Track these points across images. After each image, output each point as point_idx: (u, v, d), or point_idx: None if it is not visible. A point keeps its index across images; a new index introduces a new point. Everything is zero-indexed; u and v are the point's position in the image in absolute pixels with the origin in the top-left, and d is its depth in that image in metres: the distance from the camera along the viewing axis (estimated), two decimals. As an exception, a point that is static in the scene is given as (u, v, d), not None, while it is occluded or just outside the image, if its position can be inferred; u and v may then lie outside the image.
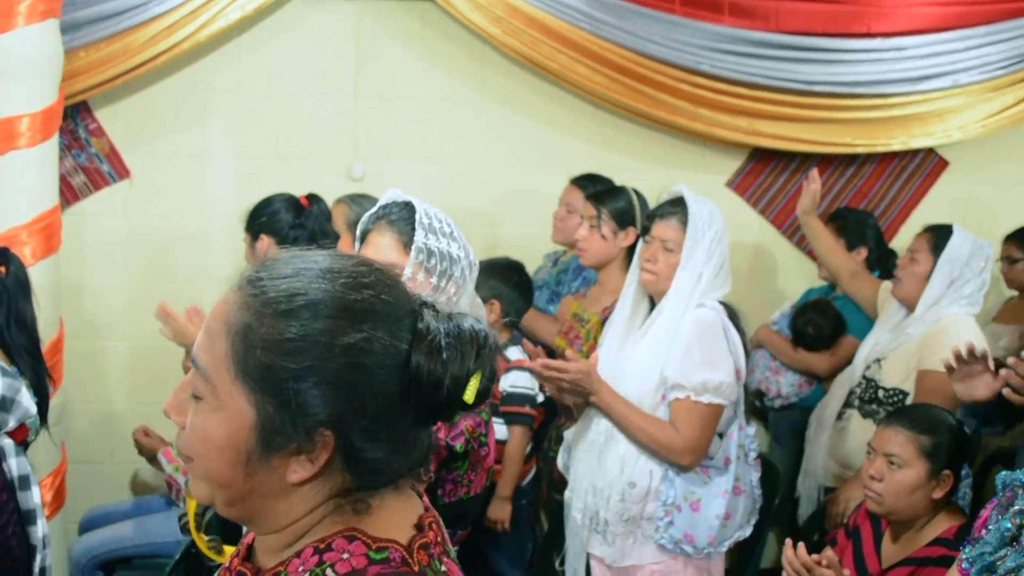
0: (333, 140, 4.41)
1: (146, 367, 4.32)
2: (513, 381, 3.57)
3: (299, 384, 1.10)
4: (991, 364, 2.78)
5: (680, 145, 4.55)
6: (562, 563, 3.19)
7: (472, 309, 2.28)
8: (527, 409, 3.54)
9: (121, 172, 4.30)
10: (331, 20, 4.36)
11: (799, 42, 4.33)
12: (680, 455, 2.84)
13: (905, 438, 2.65)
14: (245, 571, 1.23)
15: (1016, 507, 1.50)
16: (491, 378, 1.21)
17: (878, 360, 3.58)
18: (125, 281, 4.35)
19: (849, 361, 3.83)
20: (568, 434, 3.11)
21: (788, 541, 2.48)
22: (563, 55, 4.25)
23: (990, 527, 1.52)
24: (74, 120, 4.21)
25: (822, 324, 4.05)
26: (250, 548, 1.28)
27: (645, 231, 3.05)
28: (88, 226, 4.29)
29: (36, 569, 2.73)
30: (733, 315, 2.95)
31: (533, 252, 4.34)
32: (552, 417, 3.59)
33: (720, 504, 2.88)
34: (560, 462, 3.18)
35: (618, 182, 3.84)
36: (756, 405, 4.28)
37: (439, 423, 2.05)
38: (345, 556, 1.11)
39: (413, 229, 2.15)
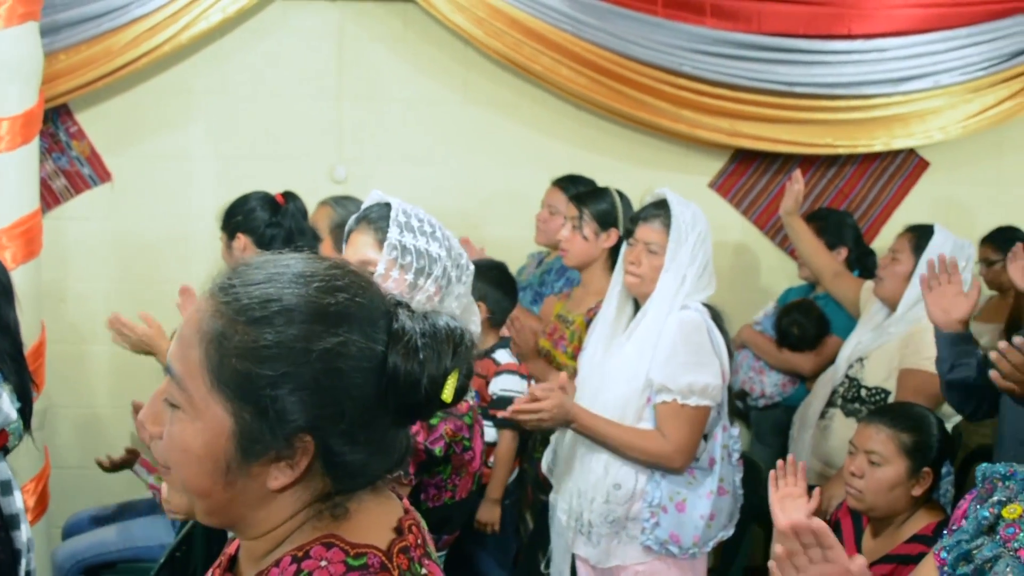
0: (316, 142, 4.40)
1: (129, 371, 4.30)
2: (503, 384, 3.57)
3: (276, 391, 1.09)
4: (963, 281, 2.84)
5: (662, 146, 4.56)
6: (547, 564, 3.19)
7: (465, 313, 2.27)
8: (516, 412, 3.55)
9: (102, 175, 4.29)
10: (313, 22, 4.36)
11: (780, 43, 4.35)
12: (670, 460, 2.84)
13: (886, 436, 2.67)
14: None
15: (995, 498, 1.51)
16: (469, 375, 1.21)
17: (860, 359, 3.59)
18: (107, 284, 4.33)
19: (833, 361, 3.84)
20: (553, 436, 3.12)
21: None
22: (545, 57, 4.26)
23: (969, 517, 1.53)
24: (54, 123, 4.19)
25: (806, 324, 4.07)
26: (232, 559, 1.27)
27: (628, 234, 3.05)
28: (70, 230, 4.27)
29: (21, 573, 2.73)
30: (716, 316, 2.96)
31: (516, 253, 4.34)
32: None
33: (705, 505, 2.89)
34: (545, 464, 3.18)
35: (600, 183, 3.85)
36: (738, 406, 4.30)
37: (417, 427, 2.05)
38: (323, 564, 1.10)
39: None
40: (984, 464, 1.59)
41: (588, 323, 3.34)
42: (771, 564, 2.45)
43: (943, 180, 4.73)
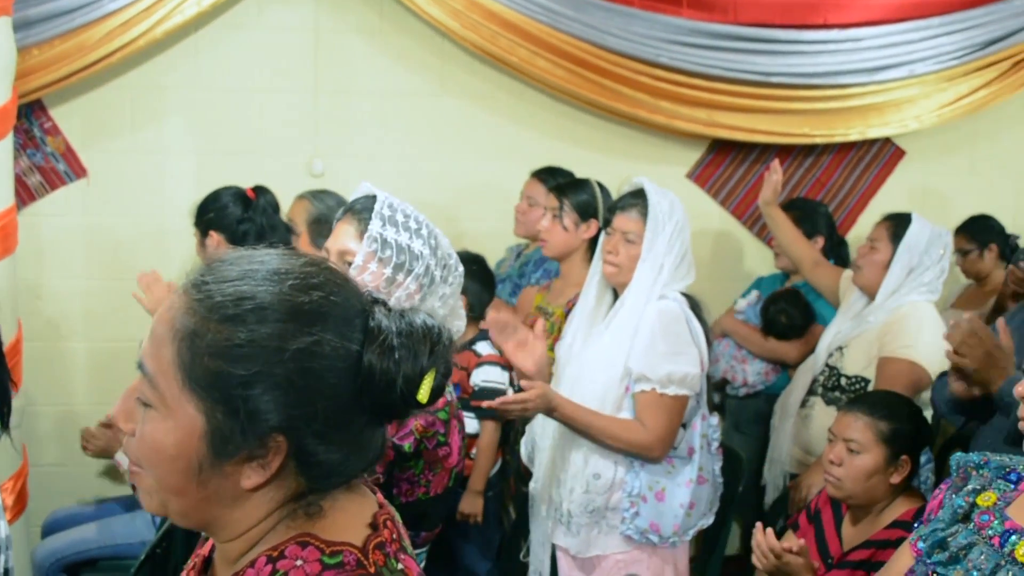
0: (293, 136, 4.38)
1: (107, 367, 4.28)
2: (485, 376, 3.58)
3: (249, 391, 1.07)
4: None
5: (640, 137, 4.57)
6: (527, 554, 3.20)
7: (451, 315, 2.25)
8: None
9: (78, 171, 4.25)
10: (289, 16, 4.34)
11: (757, 34, 4.36)
12: (649, 449, 2.85)
13: (864, 424, 2.69)
14: None
15: (969, 486, 1.52)
16: (447, 375, 1.19)
17: (840, 348, 3.61)
18: (84, 281, 4.30)
19: (817, 349, 3.86)
20: (529, 425, 3.12)
21: (759, 525, 2.51)
22: (522, 48, 4.25)
23: (944, 505, 1.54)
24: (28, 119, 4.15)
25: (794, 313, 4.08)
26: (206, 561, 1.26)
27: (606, 223, 3.06)
28: (45, 226, 4.24)
29: (0, 570, 2.70)
30: (695, 306, 2.97)
31: (495, 245, 4.34)
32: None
33: (685, 494, 2.90)
34: (524, 453, 3.19)
35: (579, 174, 3.85)
36: (714, 400, 4.32)
37: (388, 422, 2.03)
38: (299, 563, 1.09)
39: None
40: (958, 453, 1.60)
41: (568, 314, 3.34)
42: (753, 558, 2.49)
43: (919, 169, 4.76)
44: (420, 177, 4.44)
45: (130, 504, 3.76)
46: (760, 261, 4.67)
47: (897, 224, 3.55)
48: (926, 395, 3.31)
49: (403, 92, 4.44)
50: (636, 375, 2.86)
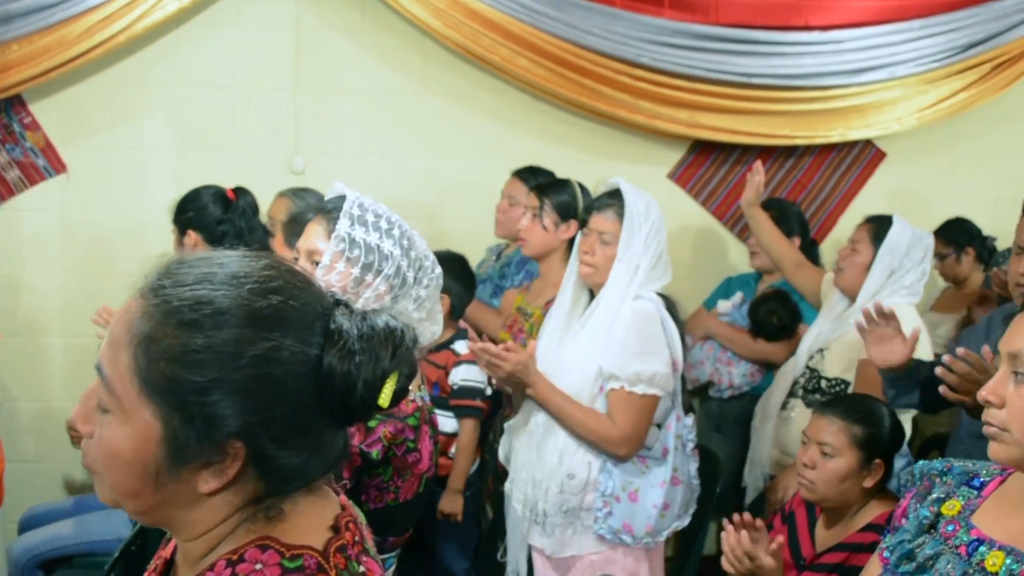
0: (273, 133, 4.37)
1: (84, 363, 4.22)
2: (464, 375, 3.58)
3: (205, 397, 1.06)
4: (905, 330, 2.83)
5: (621, 137, 4.57)
6: (504, 554, 3.20)
7: (428, 318, 2.23)
8: (477, 402, 3.56)
9: (57, 166, 4.23)
10: (270, 13, 4.32)
11: (738, 35, 4.37)
12: (616, 446, 2.85)
13: (838, 427, 2.68)
14: None
15: (933, 495, 1.53)
16: (410, 377, 1.18)
17: (821, 350, 3.61)
18: (62, 277, 4.28)
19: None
20: (508, 425, 3.12)
21: (729, 527, 2.49)
22: (504, 48, 4.25)
23: (909, 516, 1.54)
24: (8, 114, 4.13)
25: (784, 314, 4.07)
26: (168, 563, 1.25)
27: (583, 224, 3.06)
28: (24, 222, 4.22)
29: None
30: (671, 306, 2.98)
31: (476, 245, 4.33)
32: (498, 409, 3.61)
33: (658, 494, 2.91)
34: (501, 453, 3.19)
35: (560, 174, 3.85)
36: (691, 406, 4.31)
37: (354, 429, 2.01)
38: (258, 567, 1.08)
39: None
40: (922, 462, 1.61)
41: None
42: (723, 561, 2.48)
43: (899, 171, 4.78)
44: (400, 175, 4.44)
45: (106, 501, 3.74)
46: (741, 261, 4.67)
47: (878, 226, 3.55)
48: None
49: (385, 90, 4.43)
50: (606, 373, 2.87)
